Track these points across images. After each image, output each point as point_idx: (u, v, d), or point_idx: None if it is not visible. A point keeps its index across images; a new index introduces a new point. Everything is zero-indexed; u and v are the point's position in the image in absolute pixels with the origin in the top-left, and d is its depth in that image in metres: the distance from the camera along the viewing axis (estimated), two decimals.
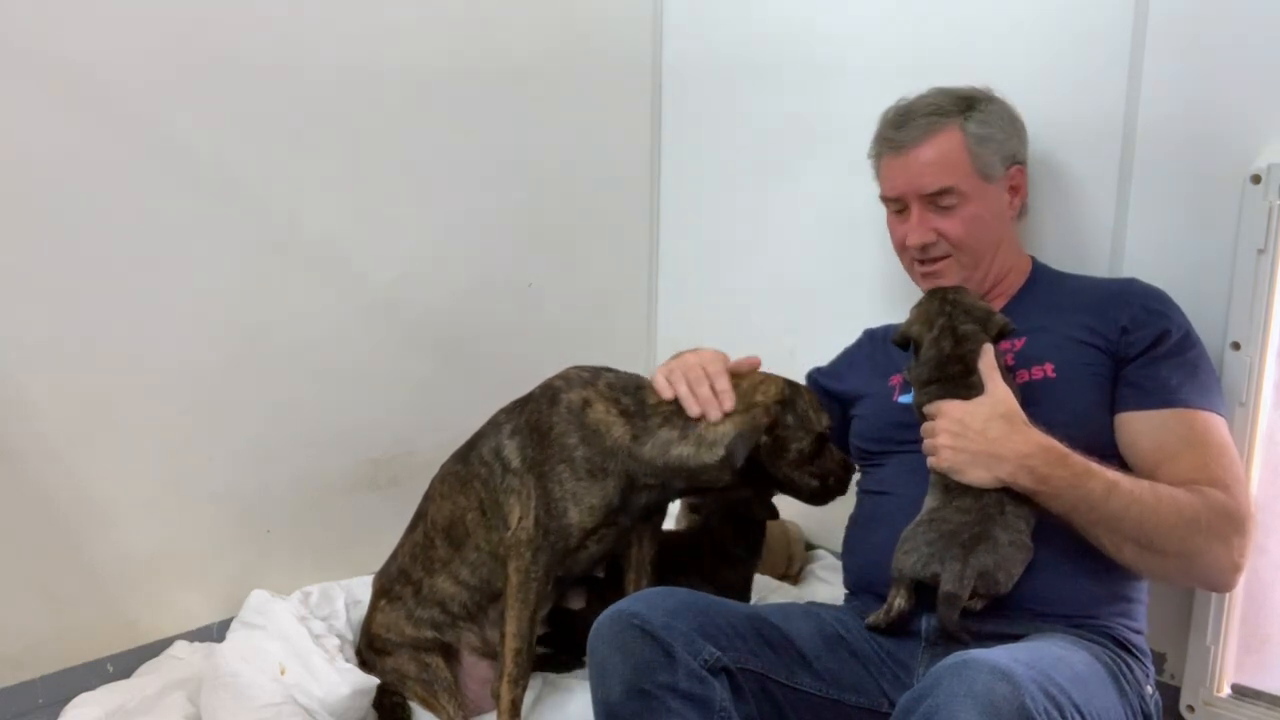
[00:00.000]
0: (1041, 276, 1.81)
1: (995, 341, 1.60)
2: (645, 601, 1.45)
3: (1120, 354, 1.61)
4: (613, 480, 1.66)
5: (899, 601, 1.53)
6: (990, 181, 1.73)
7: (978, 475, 1.48)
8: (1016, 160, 1.78)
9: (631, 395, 1.70)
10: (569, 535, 1.68)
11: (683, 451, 1.64)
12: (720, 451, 1.61)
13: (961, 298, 1.65)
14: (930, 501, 1.55)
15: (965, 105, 1.74)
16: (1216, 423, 1.57)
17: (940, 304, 1.65)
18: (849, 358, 1.96)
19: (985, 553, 1.46)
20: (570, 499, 1.67)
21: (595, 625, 1.44)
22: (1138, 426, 1.58)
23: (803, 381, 1.82)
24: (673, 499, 1.79)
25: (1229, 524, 1.48)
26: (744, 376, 1.69)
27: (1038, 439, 1.48)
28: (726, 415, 1.63)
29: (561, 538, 1.69)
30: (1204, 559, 1.49)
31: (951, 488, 1.52)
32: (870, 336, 1.96)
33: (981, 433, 1.49)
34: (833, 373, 1.95)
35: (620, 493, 1.67)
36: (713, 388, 1.65)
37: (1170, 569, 1.53)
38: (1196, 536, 1.47)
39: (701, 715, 1.37)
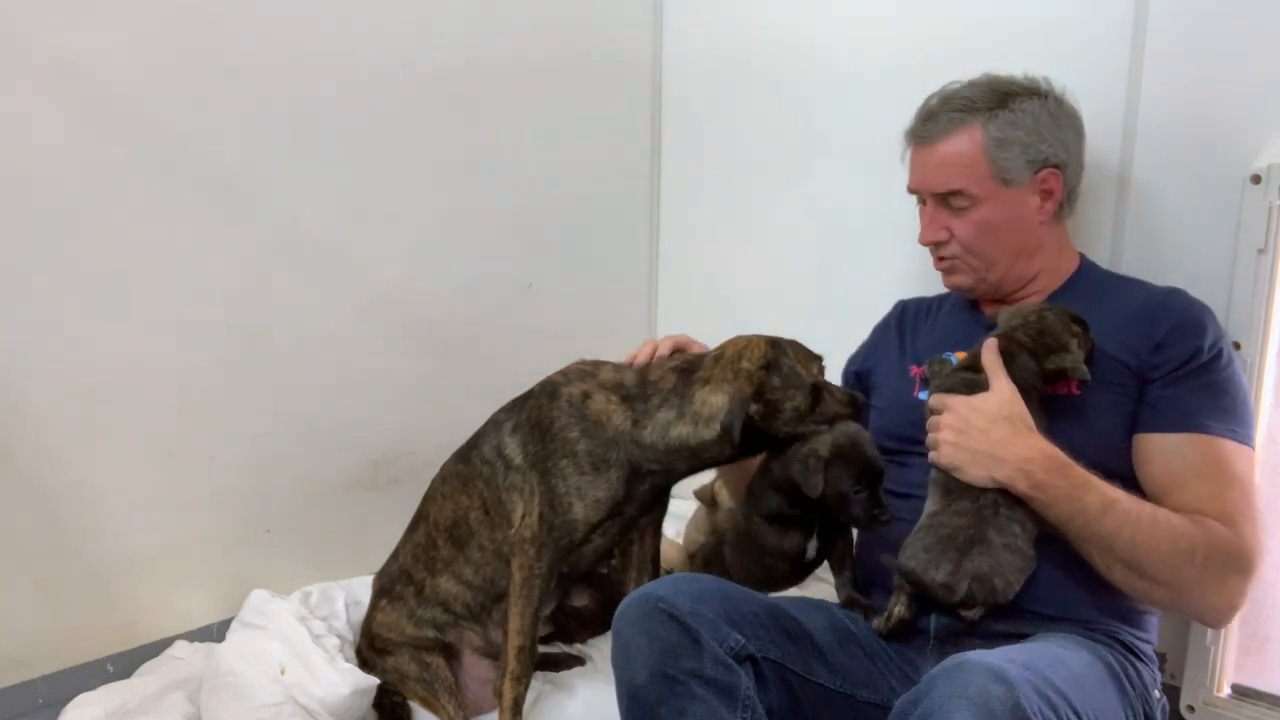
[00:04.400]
0: (1085, 278, 1.72)
1: (1045, 380, 1.54)
2: (672, 586, 1.43)
3: (1148, 373, 1.56)
4: (616, 471, 1.66)
5: (899, 609, 1.54)
6: (1009, 186, 1.65)
7: (976, 474, 1.47)
8: (1049, 163, 1.66)
9: (635, 375, 1.69)
10: (574, 530, 1.69)
11: (681, 431, 1.63)
12: (716, 427, 1.60)
13: (1052, 319, 1.56)
14: (930, 505, 1.55)
15: (998, 101, 1.65)
16: (1235, 452, 1.51)
17: (1035, 312, 1.58)
18: (877, 338, 1.92)
19: (980, 555, 1.46)
20: (575, 494, 1.67)
21: (621, 607, 1.43)
22: (1151, 449, 1.54)
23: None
24: (676, 481, 1.78)
25: (1227, 562, 1.45)
26: (728, 343, 1.66)
27: (1041, 445, 1.46)
28: (717, 386, 1.62)
29: (566, 533, 1.69)
30: (1194, 593, 1.46)
31: (951, 489, 1.51)
32: (903, 310, 1.91)
33: (985, 432, 1.47)
34: (862, 353, 1.91)
35: (624, 483, 1.67)
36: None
37: (1159, 597, 1.50)
38: (1189, 569, 1.43)
39: (726, 703, 1.35)
